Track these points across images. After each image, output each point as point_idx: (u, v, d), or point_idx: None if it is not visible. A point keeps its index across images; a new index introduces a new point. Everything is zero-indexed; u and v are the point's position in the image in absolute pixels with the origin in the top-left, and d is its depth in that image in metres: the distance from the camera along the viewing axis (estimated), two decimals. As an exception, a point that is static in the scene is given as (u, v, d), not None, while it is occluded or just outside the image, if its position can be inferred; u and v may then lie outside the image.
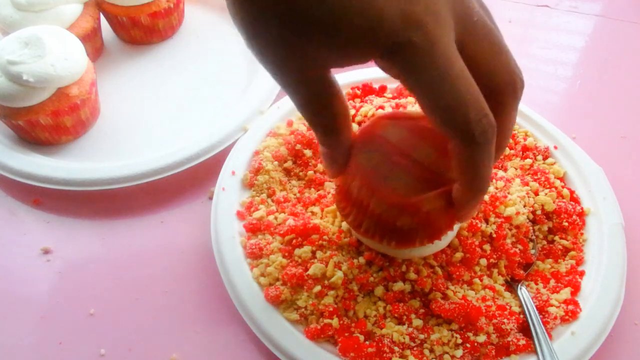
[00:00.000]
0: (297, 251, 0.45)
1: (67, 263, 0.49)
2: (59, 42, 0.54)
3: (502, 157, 0.53)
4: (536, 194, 0.49)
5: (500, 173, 0.50)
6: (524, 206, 0.47)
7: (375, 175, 0.36)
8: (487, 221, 0.46)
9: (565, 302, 0.43)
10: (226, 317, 0.45)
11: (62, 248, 0.50)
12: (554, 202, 0.48)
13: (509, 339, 0.41)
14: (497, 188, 0.48)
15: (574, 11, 0.73)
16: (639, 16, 0.72)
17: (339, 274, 0.42)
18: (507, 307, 0.43)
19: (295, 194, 0.50)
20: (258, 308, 0.43)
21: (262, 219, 0.48)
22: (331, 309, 0.41)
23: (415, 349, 0.41)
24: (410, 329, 0.41)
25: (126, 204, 0.53)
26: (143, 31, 0.66)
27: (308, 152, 0.51)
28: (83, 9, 0.63)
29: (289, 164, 0.51)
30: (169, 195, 0.54)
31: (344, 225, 0.45)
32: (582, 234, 0.47)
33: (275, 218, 0.48)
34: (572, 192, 0.50)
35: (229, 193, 0.50)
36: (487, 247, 0.45)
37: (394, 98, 0.56)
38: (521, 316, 0.42)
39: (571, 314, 0.42)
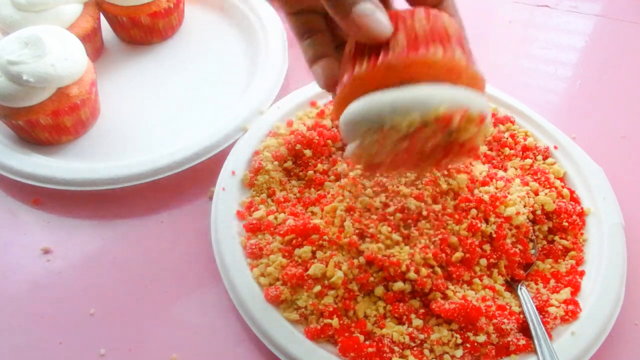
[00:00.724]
0: (297, 251, 0.45)
1: (67, 263, 0.49)
2: (59, 42, 0.54)
3: (502, 156, 0.53)
4: (536, 194, 0.49)
5: (500, 173, 0.50)
6: (524, 206, 0.47)
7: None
8: (487, 221, 0.46)
9: (565, 302, 0.43)
10: (226, 317, 0.45)
11: (62, 248, 0.50)
12: (554, 202, 0.48)
13: (509, 339, 0.41)
14: (497, 188, 0.48)
15: (574, 11, 0.73)
16: (639, 16, 0.72)
17: (339, 274, 0.42)
18: (507, 307, 0.43)
19: (295, 194, 0.50)
20: (258, 308, 0.43)
21: (262, 219, 0.48)
22: (331, 309, 0.41)
23: (415, 349, 0.41)
24: (410, 329, 0.41)
25: (126, 204, 0.53)
26: (143, 31, 0.66)
27: (308, 152, 0.51)
28: (83, 9, 0.63)
29: (289, 164, 0.51)
30: (169, 195, 0.54)
31: (346, 225, 0.45)
32: (582, 234, 0.47)
33: (275, 218, 0.48)
34: (572, 192, 0.50)
35: (229, 193, 0.50)
36: (487, 247, 0.45)
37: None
38: (521, 316, 0.42)
39: (571, 314, 0.42)
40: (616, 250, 0.45)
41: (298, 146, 0.51)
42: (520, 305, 0.43)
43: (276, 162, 0.51)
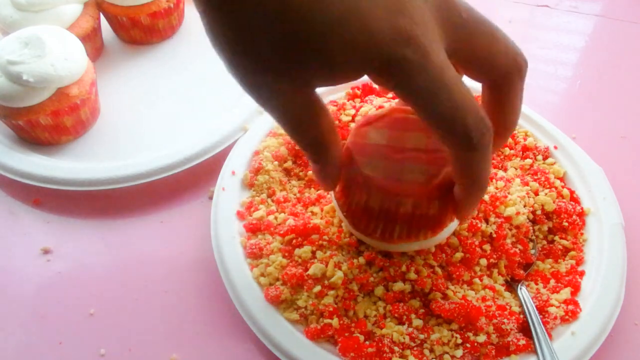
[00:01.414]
0: (297, 251, 0.45)
1: (67, 263, 0.49)
2: (59, 42, 0.54)
3: (502, 156, 0.53)
4: (536, 194, 0.49)
5: (500, 173, 0.50)
6: (524, 206, 0.47)
7: (390, 180, 0.37)
8: (487, 221, 0.46)
9: (565, 302, 0.43)
10: (226, 317, 0.45)
11: (62, 248, 0.50)
12: (554, 202, 0.48)
13: (509, 339, 0.41)
14: (497, 188, 0.48)
15: (574, 11, 0.73)
16: (639, 16, 0.72)
17: (339, 274, 0.42)
18: (507, 307, 0.43)
19: (295, 194, 0.50)
20: (258, 308, 0.43)
21: (262, 219, 0.48)
22: (331, 309, 0.41)
23: (415, 349, 0.41)
24: (410, 329, 0.41)
25: (126, 204, 0.53)
26: (143, 31, 0.66)
27: (308, 152, 0.51)
28: (83, 9, 0.63)
29: (289, 164, 0.51)
30: (169, 195, 0.54)
31: (344, 225, 0.45)
32: (582, 234, 0.47)
33: (275, 218, 0.48)
34: (572, 192, 0.50)
35: (229, 193, 0.50)
36: (487, 247, 0.45)
37: (394, 98, 0.56)
38: (521, 316, 0.42)
39: (571, 314, 0.42)
40: (616, 250, 0.45)
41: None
42: (520, 305, 0.43)
43: (276, 162, 0.51)
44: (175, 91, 0.63)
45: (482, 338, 0.41)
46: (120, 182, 0.52)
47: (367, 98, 0.56)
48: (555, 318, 0.42)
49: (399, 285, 0.42)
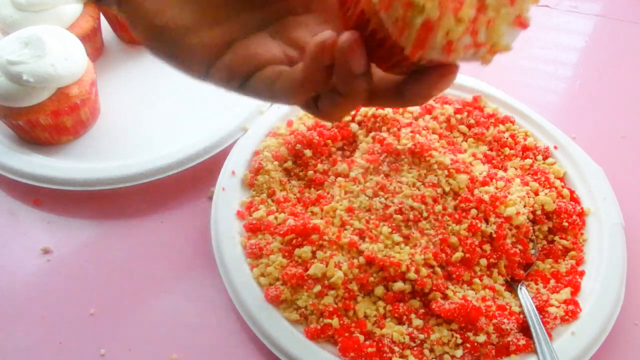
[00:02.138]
0: (297, 251, 0.44)
1: (67, 263, 0.49)
2: (59, 42, 0.54)
3: (502, 156, 0.53)
4: (536, 194, 0.49)
5: (500, 173, 0.50)
6: (524, 206, 0.47)
7: None
8: (487, 221, 0.46)
9: (565, 302, 0.43)
10: (226, 317, 0.45)
11: (62, 248, 0.50)
12: (554, 202, 0.48)
13: (509, 339, 0.41)
14: (497, 188, 0.48)
15: (574, 11, 0.73)
16: (639, 16, 0.72)
17: (339, 274, 0.42)
18: (507, 307, 0.43)
19: (295, 194, 0.50)
20: (258, 308, 0.43)
21: (262, 219, 0.48)
22: (331, 309, 0.41)
23: (415, 349, 0.41)
24: (410, 329, 0.41)
25: (126, 204, 0.53)
26: (143, 31, 0.66)
27: (308, 152, 0.51)
28: (83, 9, 0.62)
29: (289, 164, 0.51)
30: (169, 195, 0.54)
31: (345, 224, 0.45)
32: (582, 234, 0.47)
33: (275, 218, 0.48)
34: (572, 192, 0.50)
35: (229, 193, 0.50)
36: (487, 247, 0.45)
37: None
38: (521, 316, 0.42)
39: (571, 314, 0.42)
40: (616, 250, 0.45)
41: (298, 146, 0.51)
42: (520, 305, 0.43)
43: (276, 162, 0.51)
44: (175, 91, 0.63)
45: (482, 338, 0.41)
46: (120, 182, 0.52)
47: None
48: (555, 318, 0.42)
49: (399, 285, 0.42)
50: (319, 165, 0.51)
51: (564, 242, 0.47)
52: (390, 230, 0.44)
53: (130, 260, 0.49)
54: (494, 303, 0.43)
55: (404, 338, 0.41)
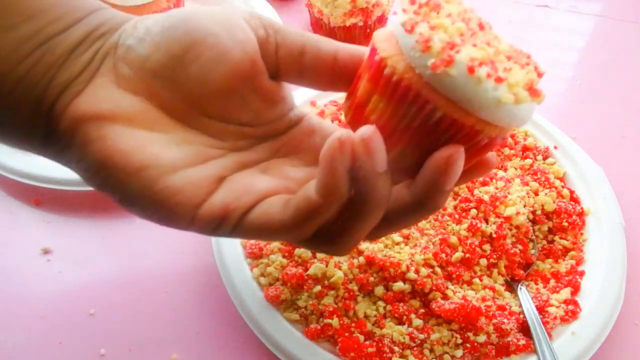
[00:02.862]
0: (297, 251, 0.45)
1: (67, 263, 0.49)
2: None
3: (502, 156, 0.53)
4: (536, 194, 0.49)
5: (500, 173, 0.50)
6: (524, 206, 0.47)
7: None
8: (487, 221, 0.46)
9: (565, 302, 0.43)
10: (226, 317, 0.45)
11: (62, 248, 0.50)
12: (554, 202, 0.48)
13: (509, 339, 0.41)
14: (497, 188, 0.48)
15: (574, 11, 0.73)
16: (639, 16, 0.72)
17: (339, 274, 0.42)
18: (507, 307, 0.43)
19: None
20: (258, 308, 0.43)
21: (262, 219, 0.48)
22: (331, 309, 0.41)
23: (415, 349, 0.41)
24: (410, 329, 0.41)
25: (126, 204, 0.53)
26: (143, 31, 0.66)
27: (308, 152, 0.51)
28: (83, 9, 0.62)
29: (289, 164, 0.51)
30: (169, 195, 0.53)
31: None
32: (582, 234, 0.47)
33: (275, 218, 0.48)
34: (572, 192, 0.50)
35: (229, 193, 0.49)
36: (487, 247, 0.45)
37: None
38: (521, 316, 0.42)
39: (571, 314, 0.42)
40: (616, 250, 0.45)
41: (298, 146, 0.51)
42: (520, 305, 0.43)
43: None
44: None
45: (482, 338, 0.41)
46: (120, 182, 0.52)
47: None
48: (555, 318, 0.42)
49: (399, 285, 0.42)
50: (319, 165, 0.51)
51: (564, 242, 0.47)
52: (390, 230, 0.44)
53: (131, 260, 0.49)
54: (494, 303, 0.43)
55: (404, 338, 0.41)
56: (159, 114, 0.28)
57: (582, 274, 0.45)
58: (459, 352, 0.40)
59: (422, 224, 0.45)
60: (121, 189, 0.27)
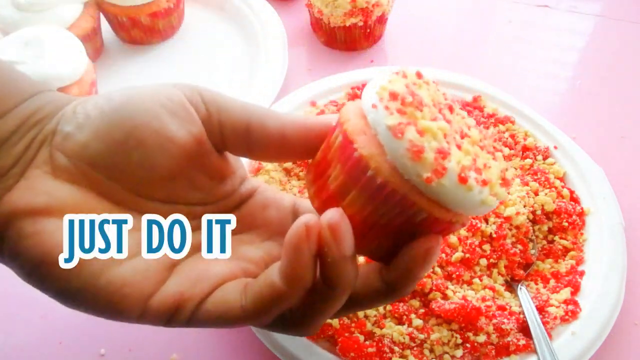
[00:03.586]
0: (297, 251, 0.44)
1: (67, 263, 0.49)
2: (59, 42, 0.54)
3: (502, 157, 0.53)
4: (536, 194, 0.49)
5: (500, 173, 0.50)
6: (524, 206, 0.47)
7: None
8: (487, 221, 0.46)
9: (565, 302, 0.43)
10: (226, 317, 0.45)
11: (62, 248, 0.50)
12: (554, 202, 0.48)
13: (509, 339, 0.41)
14: (497, 188, 0.48)
15: (574, 11, 0.73)
16: (639, 16, 0.72)
17: (339, 274, 0.42)
18: (507, 307, 0.43)
19: (295, 194, 0.50)
20: (258, 308, 0.42)
21: (262, 219, 0.48)
22: (331, 309, 0.41)
23: (415, 349, 0.41)
24: (410, 329, 0.41)
25: (126, 204, 0.53)
26: (143, 31, 0.66)
27: (308, 152, 0.51)
28: (83, 9, 0.62)
29: (288, 164, 0.51)
30: (169, 195, 0.53)
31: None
32: (582, 234, 0.47)
33: (275, 218, 0.48)
34: (572, 192, 0.50)
35: (229, 193, 0.49)
36: (487, 247, 0.45)
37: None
38: (521, 316, 0.42)
39: (571, 314, 0.42)
40: (616, 250, 0.45)
41: (298, 146, 0.51)
42: (520, 305, 0.43)
43: (276, 162, 0.51)
44: (175, 91, 0.63)
45: (482, 338, 0.41)
46: (120, 182, 0.52)
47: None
48: (555, 318, 0.42)
49: (399, 285, 0.42)
50: (319, 165, 0.51)
51: (564, 242, 0.47)
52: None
53: (130, 260, 0.49)
54: (494, 303, 0.43)
55: (404, 338, 0.41)
56: (100, 201, 0.27)
57: (582, 274, 0.45)
58: (459, 352, 0.40)
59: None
60: (62, 287, 0.25)
